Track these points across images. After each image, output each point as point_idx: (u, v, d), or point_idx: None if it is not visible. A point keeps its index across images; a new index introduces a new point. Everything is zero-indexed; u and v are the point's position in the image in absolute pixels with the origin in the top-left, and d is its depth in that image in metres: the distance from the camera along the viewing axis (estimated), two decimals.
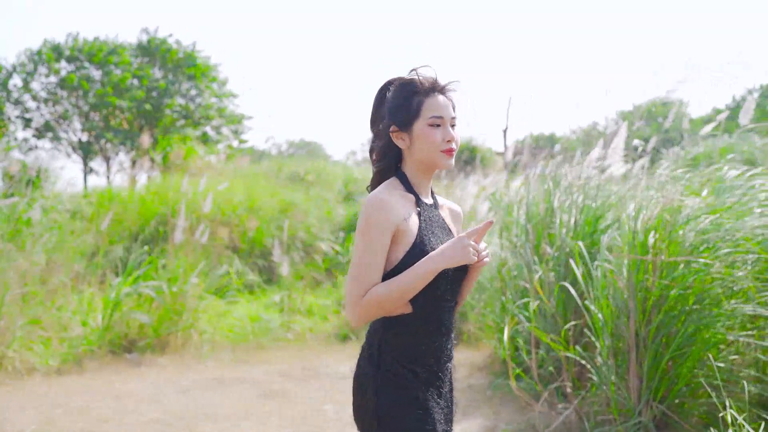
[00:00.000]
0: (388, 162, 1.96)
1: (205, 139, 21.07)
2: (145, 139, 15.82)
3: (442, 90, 1.93)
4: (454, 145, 1.91)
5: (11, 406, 4.73)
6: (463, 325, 6.76)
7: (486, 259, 1.90)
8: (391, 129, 1.92)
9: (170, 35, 22.17)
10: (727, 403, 2.93)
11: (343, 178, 14.31)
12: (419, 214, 1.90)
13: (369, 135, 2.07)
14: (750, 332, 3.49)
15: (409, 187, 1.94)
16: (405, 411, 1.89)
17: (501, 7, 67.42)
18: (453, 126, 1.93)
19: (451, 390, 2.01)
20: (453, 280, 1.91)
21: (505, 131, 14.89)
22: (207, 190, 9.78)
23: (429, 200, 1.99)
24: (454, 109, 1.93)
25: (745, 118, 4.83)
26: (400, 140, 1.92)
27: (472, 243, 1.83)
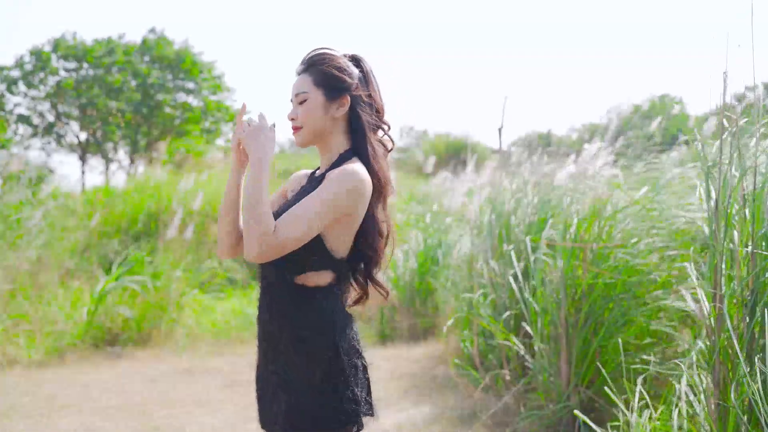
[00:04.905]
0: None
1: (204, 133, 21.34)
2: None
3: (299, 71, 1.93)
4: (295, 123, 1.89)
5: None
6: (436, 319, 6.88)
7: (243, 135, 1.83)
8: None
9: (164, 34, 22.44)
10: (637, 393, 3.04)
11: None
12: (301, 188, 1.97)
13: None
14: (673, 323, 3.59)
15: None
16: None
17: (498, 3, 67.39)
18: (301, 102, 1.88)
19: (277, 355, 1.86)
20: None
21: (500, 129, 15.01)
22: (197, 187, 9.98)
23: (319, 172, 1.96)
24: (317, 84, 1.86)
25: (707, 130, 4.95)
26: None
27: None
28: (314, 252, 1.80)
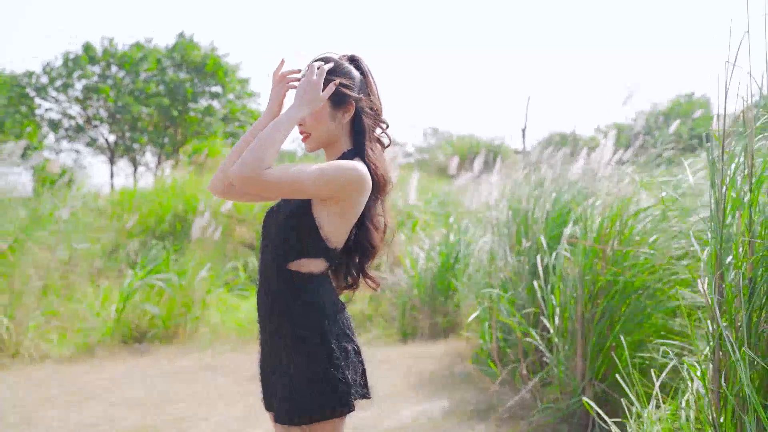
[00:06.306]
0: None
1: (228, 136, 21.61)
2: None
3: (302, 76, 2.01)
4: (304, 129, 1.99)
5: (8, 385, 5.18)
6: (457, 317, 6.94)
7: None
8: None
9: (192, 37, 22.72)
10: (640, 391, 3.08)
11: None
12: None
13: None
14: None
15: None
16: None
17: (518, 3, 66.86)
18: None
19: (273, 342, 1.94)
20: (265, 233, 2.00)
21: (523, 130, 15.00)
22: None
23: None
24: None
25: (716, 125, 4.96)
26: None
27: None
28: (310, 239, 1.89)
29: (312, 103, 1.90)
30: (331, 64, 1.96)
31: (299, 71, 2.06)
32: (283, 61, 2.07)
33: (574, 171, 5.39)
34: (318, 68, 1.93)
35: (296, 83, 2.04)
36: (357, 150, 1.98)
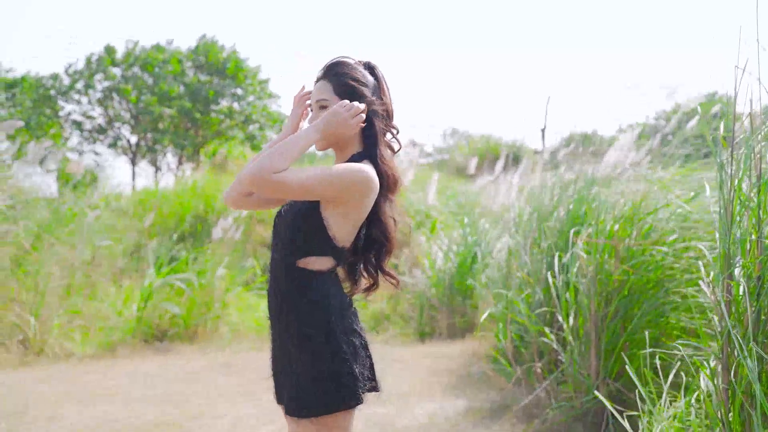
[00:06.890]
0: None
1: (249, 138, 21.73)
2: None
3: (319, 77, 2.09)
4: None
5: (32, 382, 5.28)
6: (474, 317, 6.94)
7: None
8: None
9: (215, 40, 22.86)
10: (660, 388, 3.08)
11: None
12: None
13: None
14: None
15: None
16: None
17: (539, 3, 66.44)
18: (321, 108, 2.05)
19: (281, 339, 2.00)
20: (275, 233, 2.05)
21: (543, 130, 14.95)
22: None
23: None
24: (338, 93, 2.03)
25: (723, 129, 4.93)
26: None
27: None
28: (317, 238, 1.94)
29: (333, 135, 1.97)
30: (364, 114, 2.02)
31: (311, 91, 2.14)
32: (303, 87, 2.17)
33: (593, 170, 5.39)
34: (356, 109, 1.98)
35: (309, 100, 2.14)
36: (367, 152, 2.02)
